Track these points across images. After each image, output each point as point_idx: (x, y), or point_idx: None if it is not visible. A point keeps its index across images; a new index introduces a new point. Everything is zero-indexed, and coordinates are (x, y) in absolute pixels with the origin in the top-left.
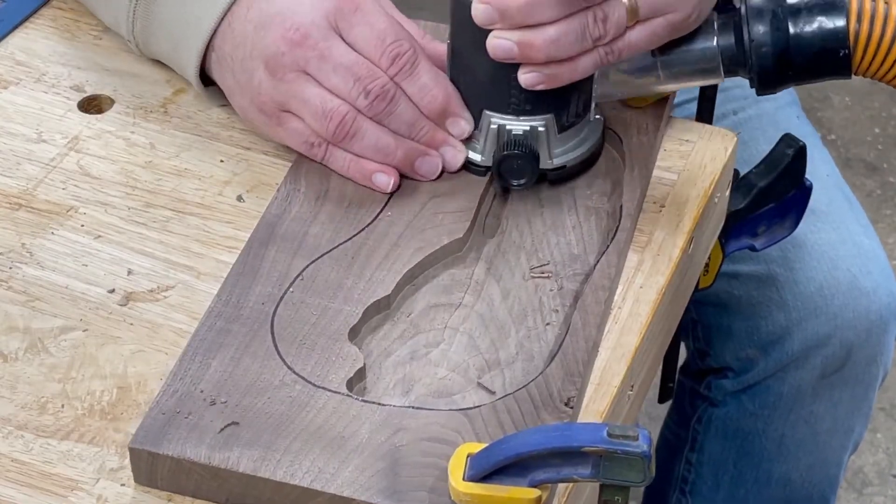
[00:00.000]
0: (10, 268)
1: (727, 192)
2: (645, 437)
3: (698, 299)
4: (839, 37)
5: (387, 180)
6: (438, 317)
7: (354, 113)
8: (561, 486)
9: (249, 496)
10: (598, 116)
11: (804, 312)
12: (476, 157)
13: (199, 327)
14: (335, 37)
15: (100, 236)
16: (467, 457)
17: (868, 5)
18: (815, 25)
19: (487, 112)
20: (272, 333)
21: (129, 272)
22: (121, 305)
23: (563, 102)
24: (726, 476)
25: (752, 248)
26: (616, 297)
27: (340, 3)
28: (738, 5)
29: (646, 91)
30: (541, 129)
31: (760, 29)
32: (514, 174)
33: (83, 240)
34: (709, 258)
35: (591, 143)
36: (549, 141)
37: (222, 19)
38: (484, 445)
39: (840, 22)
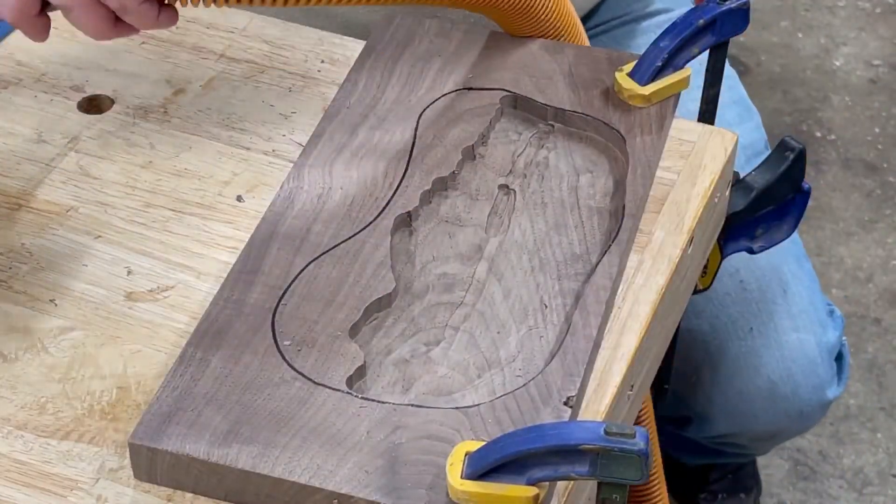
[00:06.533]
0: (10, 268)
1: (727, 192)
2: (642, 435)
3: None
4: None
5: None
6: (439, 315)
7: None
8: (561, 484)
9: (248, 492)
10: None
11: (727, 408)
12: None
13: (201, 324)
14: None
15: (100, 236)
16: (466, 455)
17: None
18: None
19: None
20: (273, 330)
21: (129, 272)
22: (120, 305)
23: None
24: None
25: (750, 251)
26: (616, 297)
27: None
28: None
29: None
30: None
31: None
32: None
33: (83, 240)
34: (707, 260)
35: None
36: None
37: None
38: (482, 443)
39: None
